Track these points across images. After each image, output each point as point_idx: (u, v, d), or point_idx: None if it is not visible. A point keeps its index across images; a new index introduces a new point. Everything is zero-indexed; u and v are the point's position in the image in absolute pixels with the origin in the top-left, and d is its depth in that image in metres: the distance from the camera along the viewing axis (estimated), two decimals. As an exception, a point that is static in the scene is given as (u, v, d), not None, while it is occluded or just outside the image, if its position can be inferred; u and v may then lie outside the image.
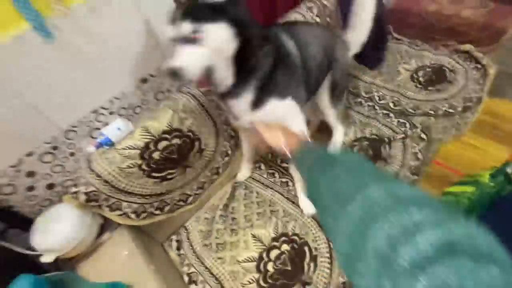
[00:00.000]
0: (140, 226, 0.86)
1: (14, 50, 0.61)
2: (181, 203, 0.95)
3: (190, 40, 0.56)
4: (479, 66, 1.20)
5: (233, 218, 0.96)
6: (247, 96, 0.69)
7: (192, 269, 0.88)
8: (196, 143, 0.91)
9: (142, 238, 0.88)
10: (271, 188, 1.03)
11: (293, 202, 0.97)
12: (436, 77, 1.22)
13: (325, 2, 1.12)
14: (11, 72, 0.63)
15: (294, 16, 1.04)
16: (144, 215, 0.85)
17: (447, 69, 1.23)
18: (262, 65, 0.67)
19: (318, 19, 1.10)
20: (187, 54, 0.57)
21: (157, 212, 0.89)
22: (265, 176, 1.07)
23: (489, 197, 0.66)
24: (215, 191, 1.05)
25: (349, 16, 0.91)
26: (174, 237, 0.97)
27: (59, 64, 0.69)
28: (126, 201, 0.80)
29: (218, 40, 0.59)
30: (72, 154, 0.81)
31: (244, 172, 1.06)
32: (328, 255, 0.83)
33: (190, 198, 0.97)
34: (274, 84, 0.70)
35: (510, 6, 1.17)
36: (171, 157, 0.86)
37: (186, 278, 0.87)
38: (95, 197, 0.74)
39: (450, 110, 1.09)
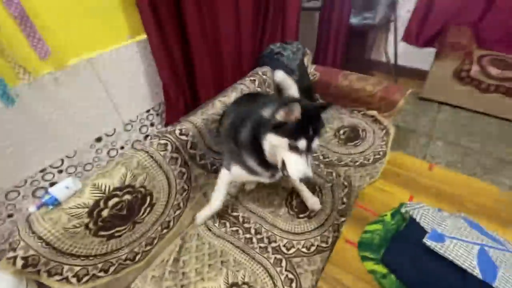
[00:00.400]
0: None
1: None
2: (128, 262, 0.93)
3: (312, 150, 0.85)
4: (382, 127, 1.57)
5: (183, 273, 0.96)
6: None
7: None
8: (148, 198, 0.95)
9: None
10: (222, 238, 1.08)
11: (243, 251, 1.03)
12: (353, 135, 1.54)
13: (264, 77, 1.39)
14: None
15: (240, 87, 1.26)
16: (86, 278, 0.81)
17: (360, 129, 1.56)
18: None
19: (259, 89, 1.34)
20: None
21: (101, 274, 0.85)
22: (217, 225, 1.12)
23: (391, 233, 0.85)
24: (164, 247, 1.05)
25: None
26: (118, 302, 0.91)
27: (13, 126, 0.72)
28: (68, 264, 0.77)
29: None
30: (10, 215, 0.77)
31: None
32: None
33: (138, 256, 0.96)
34: None
35: (397, 86, 1.62)
36: (120, 214, 0.87)
37: None
38: (34, 262, 0.70)
39: (365, 162, 1.37)
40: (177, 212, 1.07)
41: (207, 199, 1.21)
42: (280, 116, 0.82)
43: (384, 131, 1.54)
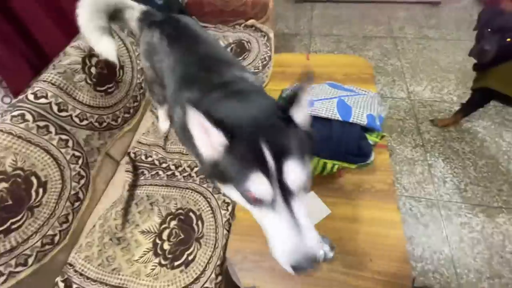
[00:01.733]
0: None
1: None
2: (47, 246, 0.86)
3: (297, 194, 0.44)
4: (263, 33, 1.63)
5: (116, 226, 0.96)
6: None
7: None
8: (33, 179, 0.83)
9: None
10: (143, 185, 1.08)
11: (168, 186, 1.07)
12: (240, 49, 1.56)
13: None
14: None
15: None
16: (2, 278, 0.73)
17: (245, 42, 1.59)
18: None
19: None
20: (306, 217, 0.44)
21: (19, 268, 0.78)
22: (142, 178, 1.11)
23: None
24: (84, 218, 1.00)
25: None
26: (58, 279, 0.87)
27: None
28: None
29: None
30: None
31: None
32: (209, 208, 0.99)
33: (57, 237, 0.89)
34: None
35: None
36: (5, 205, 0.76)
37: None
38: None
39: (255, 70, 1.45)
40: (82, 181, 0.99)
41: (113, 159, 1.15)
42: (199, 144, 0.47)
43: (266, 37, 1.61)
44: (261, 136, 0.42)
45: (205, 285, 0.84)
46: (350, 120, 0.85)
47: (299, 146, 0.44)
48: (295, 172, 0.41)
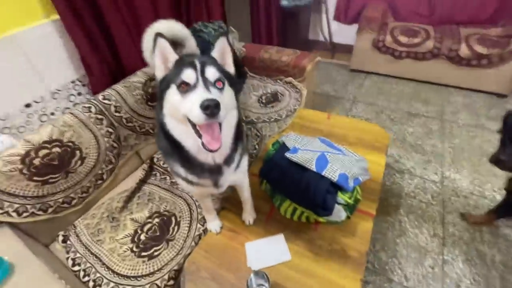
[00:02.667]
0: (24, 229, 1.00)
1: None
2: (65, 205, 1.12)
3: (212, 85, 0.62)
4: (297, 90, 1.84)
5: (116, 208, 1.18)
6: (236, 161, 0.79)
7: (77, 255, 1.03)
8: (77, 152, 1.14)
9: (25, 237, 1.00)
10: (151, 184, 1.30)
11: (168, 190, 1.26)
12: (273, 99, 1.80)
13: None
14: None
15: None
16: (26, 214, 1.00)
17: (279, 93, 1.83)
18: (242, 129, 0.79)
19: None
20: (217, 95, 0.60)
21: (40, 212, 1.04)
22: (152, 178, 1.34)
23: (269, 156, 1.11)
24: (101, 195, 1.26)
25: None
26: (61, 233, 1.10)
27: None
28: (7, 201, 0.96)
29: (229, 98, 0.67)
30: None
31: (215, 222, 1.07)
32: (189, 219, 1.12)
33: (75, 201, 1.15)
34: (242, 143, 0.81)
35: (307, 52, 1.89)
36: (52, 163, 1.06)
37: (70, 262, 1.01)
38: (-24, 197, 0.88)
39: (278, 117, 1.63)
40: (110, 166, 1.27)
41: (140, 158, 1.43)
42: (157, 68, 0.68)
43: (299, 93, 1.82)
44: (193, 57, 0.67)
45: (155, 282, 0.94)
46: (322, 173, 0.92)
47: (215, 64, 0.67)
48: (210, 70, 0.64)
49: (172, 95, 0.64)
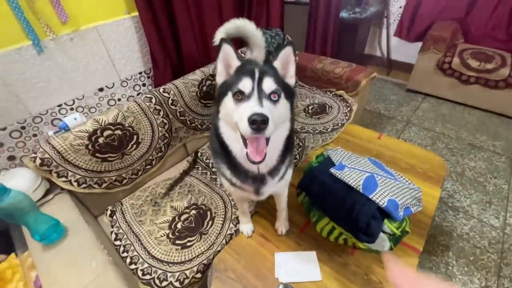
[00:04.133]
0: (80, 198, 1.11)
1: (15, 55, 0.95)
2: (117, 183, 1.23)
3: (267, 97, 0.62)
4: (347, 104, 1.77)
5: (159, 194, 1.25)
6: (281, 173, 0.78)
7: (120, 230, 1.12)
8: (135, 137, 1.24)
9: (80, 206, 1.12)
10: (193, 176, 1.36)
11: (207, 185, 1.30)
12: (320, 110, 1.75)
13: (242, 54, 1.65)
14: (8, 70, 0.96)
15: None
16: (84, 185, 1.12)
17: (327, 106, 1.78)
18: (293, 141, 0.78)
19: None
20: (269, 108, 0.60)
21: (96, 186, 1.16)
22: (194, 171, 1.41)
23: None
24: (147, 179, 1.35)
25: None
26: (109, 207, 1.21)
27: (41, 70, 1.04)
28: (71, 171, 1.08)
29: (283, 110, 0.66)
30: (34, 135, 1.09)
31: (248, 225, 1.07)
32: (223, 215, 1.15)
33: (125, 181, 1.25)
34: (291, 155, 0.81)
35: (363, 66, 1.81)
36: (112, 143, 1.17)
37: (113, 236, 1.10)
38: (48, 163, 1.01)
39: (323, 130, 1.59)
40: (159, 154, 1.36)
41: (186, 150, 1.50)
42: (218, 73, 0.70)
43: (349, 108, 1.75)
44: (254, 65, 0.67)
45: (185, 271, 0.97)
46: (370, 196, 0.86)
47: (274, 76, 0.66)
48: (267, 82, 0.64)
49: (228, 101, 0.65)
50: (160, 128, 1.33)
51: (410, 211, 0.87)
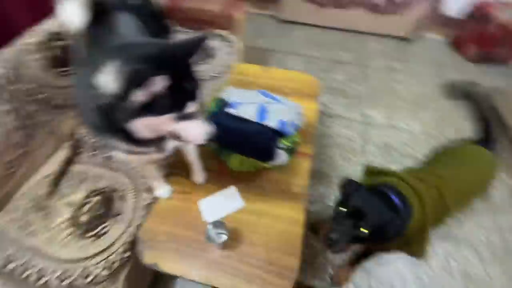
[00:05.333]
0: None
1: None
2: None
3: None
4: (230, 43, 1.76)
5: (41, 195, 1.03)
6: None
7: (9, 252, 0.90)
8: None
9: None
10: (79, 163, 1.16)
11: (103, 166, 1.14)
12: (205, 55, 1.69)
13: None
14: None
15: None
16: None
17: (209, 48, 1.72)
18: None
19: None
20: None
21: None
22: (80, 156, 1.18)
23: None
24: (19, 184, 1.07)
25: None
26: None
27: None
28: None
29: None
30: None
31: (164, 188, 1.03)
32: (133, 190, 1.07)
33: (-17, 196, 0.96)
34: None
35: (234, 2, 1.79)
36: None
37: (2, 263, 0.88)
38: None
39: (215, 75, 1.57)
40: (20, 150, 1.06)
41: (58, 137, 1.22)
42: (139, 97, 0.53)
43: (232, 47, 1.75)
44: (182, 77, 0.61)
45: (110, 257, 0.91)
46: (264, 123, 0.96)
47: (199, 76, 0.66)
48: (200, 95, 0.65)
49: (163, 122, 0.61)
50: (6, 119, 1.01)
51: (296, 125, 1.03)
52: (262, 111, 0.99)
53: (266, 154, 0.95)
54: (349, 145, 1.83)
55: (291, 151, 1.07)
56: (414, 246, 0.94)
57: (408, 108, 2.10)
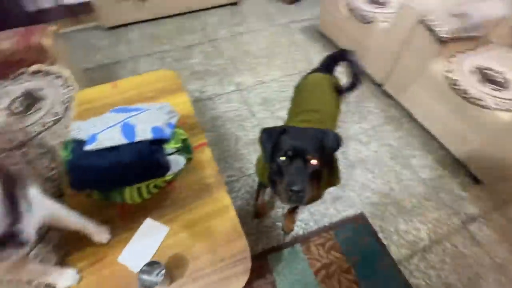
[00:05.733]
0: None
1: None
2: None
3: None
4: (56, 75, 1.45)
5: None
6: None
7: None
8: None
9: None
10: None
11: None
12: (31, 102, 1.34)
13: None
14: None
15: None
16: None
17: (35, 91, 1.38)
18: None
19: None
20: None
21: None
22: None
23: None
24: None
25: None
26: None
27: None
28: None
29: None
30: None
31: (65, 274, 0.81)
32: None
33: None
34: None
35: (33, 28, 1.44)
36: None
37: None
38: None
39: (56, 117, 1.27)
40: None
41: None
42: None
43: (60, 78, 1.45)
44: None
45: None
46: (136, 140, 0.85)
47: None
48: None
49: None
50: None
51: (172, 124, 0.97)
52: (128, 129, 0.87)
53: (158, 169, 0.86)
54: (238, 115, 1.91)
55: (185, 150, 1.02)
56: (335, 171, 1.00)
57: (264, 61, 2.32)
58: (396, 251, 1.37)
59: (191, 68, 2.24)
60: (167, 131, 0.92)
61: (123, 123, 0.90)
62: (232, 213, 0.97)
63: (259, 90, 2.08)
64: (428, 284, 1.28)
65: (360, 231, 1.42)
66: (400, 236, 1.42)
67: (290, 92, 2.02)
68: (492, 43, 1.77)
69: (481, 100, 1.43)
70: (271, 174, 0.93)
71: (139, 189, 0.91)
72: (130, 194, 0.91)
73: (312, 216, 1.47)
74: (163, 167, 0.87)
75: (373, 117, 1.94)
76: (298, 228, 1.43)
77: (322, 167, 0.81)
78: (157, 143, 0.90)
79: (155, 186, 0.95)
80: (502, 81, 1.50)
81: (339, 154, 1.73)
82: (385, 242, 1.39)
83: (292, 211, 1.39)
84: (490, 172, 1.52)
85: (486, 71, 1.55)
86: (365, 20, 1.96)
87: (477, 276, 1.31)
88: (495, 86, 1.48)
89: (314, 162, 0.77)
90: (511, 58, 1.64)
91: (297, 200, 0.75)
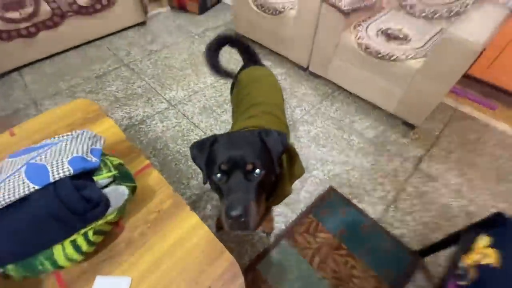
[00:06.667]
0: None
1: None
2: None
3: None
4: None
5: None
6: None
7: None
8: None
9: None
10: None
11: None
12: None
13: None
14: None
15: None
16: None
17: None
18: None
19: None
20: None
21: None
22: None
23: None
24: None
25: None
26: None
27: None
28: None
29: None
30: None
31: None
32: None
33: None
34: None
35: None
36: None
37: None
38: None
39: None
40: None
41: None
42: None
43: None
44: None
45: None
46: (51, 181, 0.65)
47: None
48: None
49: None
50: None
51: (98, 149, 0.78)
52: (35, 171, 0.66)
53: (92, 208, 0.67)
54: (179, 131, 1.75)
55: (124, 178, 0.83)
56: (297, 167, 0.90)
57: (191, 72, 2.22)
58: (372, 210, 1.40)
59: (111, 97, 1.98)
60: (92, 159, 0.73)
61: (26, 165, 0.68)
62: (205, 229, 0.83)
63: (195, 100, 1.96)
64: (410, 229, 1.33)
65: (335, 203, 1.41)
66: (370, 195, 1.46)
67: (227, 94, 1.98)
68: (384, 8, 2.03)
69: (393, 55, 1.60)
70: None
71: (73, 242, 0.69)
72: (64, 254, 0.69)
73: (288, 206, 1.40)
74: (99, 205, 0.68)
75: (309, 98, 2.00)
76: (279, 224, 1.34)
77: (271, 172, 0.68)
78: (83, 177, 0.70)
79: (99, 232, 0.74)
80: (402, 36, 1.72)
81: (293, 139, 1.72)
82: (360, 206, 1.41)
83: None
84: (418, 115, 1.71)
85: (388, 31, 1.76)
86: (277, 11, 2.04)
87: (444, 207, 1.42)
88: (399, 41, 1.68)
89: (257, 170, 0.64)
90: (402, 17, 1.90)
91: (240, 227, 0.60)
